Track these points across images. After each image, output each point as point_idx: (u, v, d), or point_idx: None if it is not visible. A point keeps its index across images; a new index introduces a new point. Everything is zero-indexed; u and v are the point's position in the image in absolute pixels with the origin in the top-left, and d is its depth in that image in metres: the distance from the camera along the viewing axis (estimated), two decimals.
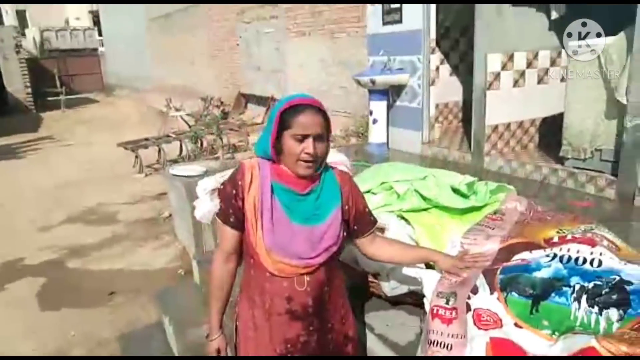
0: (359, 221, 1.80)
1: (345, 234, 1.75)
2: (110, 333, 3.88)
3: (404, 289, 2.24)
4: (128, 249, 5.54)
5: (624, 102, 3.86)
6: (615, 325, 1.52)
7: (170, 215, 6.00)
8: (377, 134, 6.10)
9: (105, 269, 5.12)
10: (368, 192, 2.66)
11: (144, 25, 18.07)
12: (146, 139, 9.05)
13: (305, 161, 1.59)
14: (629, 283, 1.58)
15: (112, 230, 6.13)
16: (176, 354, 3.15)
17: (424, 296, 1.84)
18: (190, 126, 10.42)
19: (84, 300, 4.45)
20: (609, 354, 1.40)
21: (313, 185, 1.66)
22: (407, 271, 2.01)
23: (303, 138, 1.57)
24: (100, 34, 26.19)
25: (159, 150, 8.87)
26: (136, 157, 8.68)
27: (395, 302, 2.39)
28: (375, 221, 1.86)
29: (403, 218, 2.43)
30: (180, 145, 9.18)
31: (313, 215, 1.65)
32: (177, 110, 11.69)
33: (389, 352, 2.08)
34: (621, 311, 1.54)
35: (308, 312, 1.69)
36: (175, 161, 8.48)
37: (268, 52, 11.12)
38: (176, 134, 9.37)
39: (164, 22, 16.58)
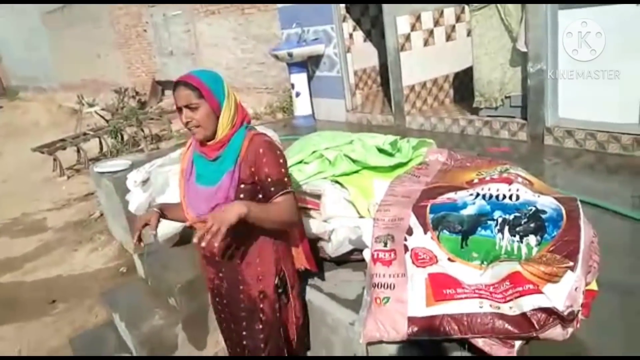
0: (262, 188, 1.85)
1: (243, 196, 1.83)
2: (59, 340, 3.78)
3: (345, 248, 2.37)
4: (63, 255, 5.34)
5: (525, 50, 4.15)
6: (535, 250, 1.72)
7: (102, 214, 5.83)
8: (302, 107, 6.18)
9: (41, 278, 4.92)
10: (300, 162, 2.75)
11: (40, 20, 16.93)
12: (62, 140, 8.60)
13: (189, 128, 1.82)
14: (543, 212, 1.78)
15: (42, 239, 5.86)
16: (132, 349, 3.15)
17: (364, 249, 1.97)
18: (107, 121, 9.99)
19: (24, 313, 4.29)
20: (531, 276, 1.59)
21: (220, 151, 1.84)
22: (345, 221, 2.15)
23: (180, 110, 1.81)
24: None
25: (78, 150, 8.49)
26: (54, 160, 8.25)
27: (340, 261, 2.52)
28: (275, 193, 1.81)
29: (337, 182, 2.55)
30: (100, 142, 8.81)
31: (213, 178, 1.85)
32: (90, 105, 11.14)
33: (339, 308, 2.21)
34: (538, 237, 1.74)
35: (215, 260, 1.97)
36: (97, 159, 8.13)
37: (179, 34, 10.81)
38: (94, 131, 8.96)
39: (61, 15, 15.60)
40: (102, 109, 11.12)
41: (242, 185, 1.82)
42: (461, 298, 1.62)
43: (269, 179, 1.81)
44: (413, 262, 1.74)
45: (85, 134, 8.92)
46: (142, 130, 8.84)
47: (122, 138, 8.79)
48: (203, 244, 1.59)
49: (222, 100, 1.81)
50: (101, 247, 5.33)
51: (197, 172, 1.92)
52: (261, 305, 1.96)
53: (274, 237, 1.96)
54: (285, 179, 1.84)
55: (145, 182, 3.69)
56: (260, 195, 1.86)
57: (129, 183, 3.75)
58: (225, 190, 1.81)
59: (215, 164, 1.85)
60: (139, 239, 1.99)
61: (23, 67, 20.20)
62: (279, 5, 6.50)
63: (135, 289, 3.63)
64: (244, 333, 2.02)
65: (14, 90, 21.67)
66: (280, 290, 1.98)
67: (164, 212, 2.02)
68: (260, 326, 1.98)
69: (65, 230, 6.01)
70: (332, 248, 2.39)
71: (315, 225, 2.43)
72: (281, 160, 1.85)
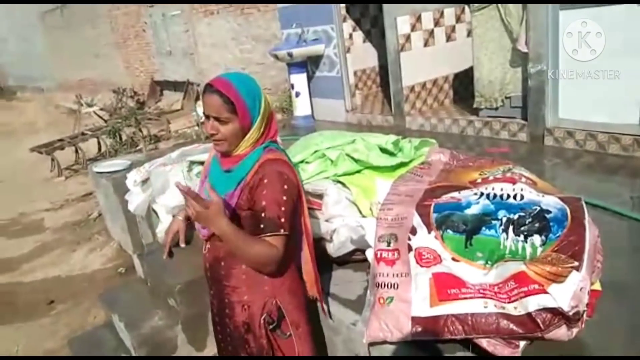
0: (254, 218, 1.65)
1: (236, 222, 1.66)
2: (57, 342, 3.76)
3: (347, 247, 2.36)
4: (61, 256, 5.32)
5: (525, 50, 4.14)
6: (539, 250, 1.70)
7: (100, 214, 5.81)
8: (301, 107, 6.17)
9: (39, 279, 4.90)
10: (302, 162, 2.73)
11: (38, 20, 16.90)
12: (60, 140, 8.59)
13: (213, 140, 1.67)
14: (548, 212, 1.77)
15: (40, 239, 5.84)
16: (131, 349, 3.13)
17: (366, 249, 1.96)
18: (105, 121, 9.98)
19: (21, 314, 4.27)
20: (536, 276, 1.58)
21: (233, 165, 1.70)
22: (348, 220, 2.12)
23: (207, 117, 1.65)
24: None
25: (76, 150, 8.47)
26: (52, 160, 8.23)
27: (341, 262, 2.50)
28: (263, 231, 1.62)
29: (339, 182, 2.54)
30: (99, 142, 8.80)
31: (218, 192, 1.70)
32: (89, 105, 11.13)
33: (341, 308, 2.20)
34: (543, 237, 1.72)
35: (207, 275, 1.87)
36: (95, 159, 8.12)
37: (177, 34, 10.81)
38: (92, 131, 8.96)
39: (60, 15, 15.59)
40: (101, 109, 11.12)
41: (239, 211, 1.67)
42: (465, 298, 1.61)
43: (263, 214, 1.62)
44: (417, 262, 1.73)
45: (83, 133, 8.91)
46: (141, 131, 8.83)
47: (121, 138, 8.79)
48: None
49: (255, 119, 1.66)
50: (99, 247, 5.31)
51: (209, 180, 1.80)
52: (245, 336, 1.77)
53: None
54: (282, 220, 1.61)
55: (145, 182, 3.66)
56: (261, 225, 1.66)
57: (129, 183, 3.73)
58: (226, 211, 1.65)
59: (225, 176, 1.72)
60: (170, 253, 1.91)
61: (21, 67, 20.15)
62: (279, 5, 6.49)
63: (134, 289, 3.61)
64: (232, 354, 1.87)
65: (12, 90, 21.58)
66: (271, 327, 1.75)
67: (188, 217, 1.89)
68: (246, 355, 1.81)
69: (63, 230, 5.99)
70: (334, 248, 2.38)
71: (317, 225, 2.41)
72: (284, 197, 1.63)
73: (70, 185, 7.65)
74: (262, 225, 1.61)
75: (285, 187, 1.64)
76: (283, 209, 1.62)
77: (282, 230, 1.61)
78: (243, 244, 1.60)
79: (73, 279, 4.82)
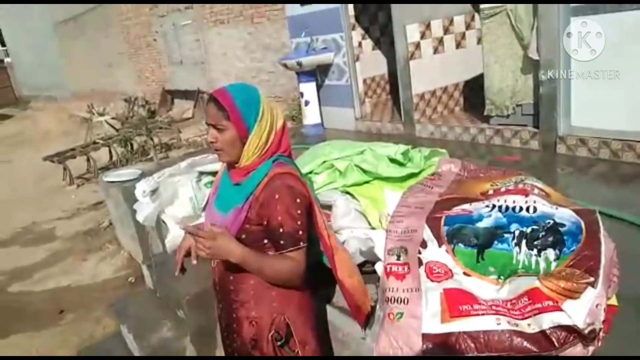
0: (270, 236, 1.67)
1: (245, 236, 1.67)
2: (67, 352, 3.77)
3: (357, 259, 2.32)
4: (72, 265, 5.35)
5: (536, 57, 4.10)
6: (553, 265, 1.66)
7: (111, 223, 5.83)
8: (311, 115, 6.16)
9: (50, 288, 4.93)
10: (310, 172, 2.71)
11: (52, 30, 17.11)
12: (72, 149, 8.66)
13: (213, 149, 1.70)
14: (562, 225, 1.72)
15: (51, 248, 5.88)
16: None
17: (376, 261, 1.92)
18: (117, 130, 10.05)
19: (32, 323, 4.28)
20: (550, 292, 1.54)
21: (242, 178, 1.70)
22: (357, 232, 2.09)
23: (209, 126, 1.68)
24: (3, 44, 24.49)
25: (88, 159, 8.53)
26: (64, 169, 8.30)
27: None
28: (284, 247, 1.64)
29: (348, 193, 2.51)
30: (110, 151, 8.86)
31: (227, 206, 1.72)
32: (100, 114, 11.22)
33: (351, 322, 2.16)
34: (557, 251, 1.68)
35: (216, 289, 1.87)
36: (106, 168, 8.18)
37: (188, 44, 10.86)
38: (104, 140, 9.02)
39: (73, 25, 15.75)
40: (112, 118, 11.20)
41: (247, 226, 1.66)
42: (478, 314, 1.56)
43: (281, 229, 1.62)
44: (427, 277, 1.69)
45: (95, 142, 8.97)
46: (152, 139, 8.87)
47: (132, 147, 8.84)
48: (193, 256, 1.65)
49: (251, 127, 1.64)
50: (110, 256, 5.33)
51: (218, 193, 1.81)
52: (253, 353, 1.75)
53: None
54: (300, 233, 1.64)
55: (154, 192, 3.66)
56: (266, 240, 1.69)
57: (138, 193, 3.73)
58: (236, 228, 1.66)
59: (234, 190, 1.71)
60: (182, 269, 1.90)
61: (35, 77, 20.40)
62: (289, 14, 6.50)
63: (143, 299, 3.63)
64: None
65: (26, 100, 21.86)
66: (279, 343, 1.72)
67: None
68: None
69: (75, 239, 6.02)
70: None
71: None
72: (299, 211, 1.64)
73: (82, 194, 7.70)
74: (281, 241, 1.64)
75: (298, 200, 1.65)
76: (299, 222, 1.65)
77: (301, 243, 1.65)
78: (264, 266, 1.64)
79: (83, 288, 4.84)
